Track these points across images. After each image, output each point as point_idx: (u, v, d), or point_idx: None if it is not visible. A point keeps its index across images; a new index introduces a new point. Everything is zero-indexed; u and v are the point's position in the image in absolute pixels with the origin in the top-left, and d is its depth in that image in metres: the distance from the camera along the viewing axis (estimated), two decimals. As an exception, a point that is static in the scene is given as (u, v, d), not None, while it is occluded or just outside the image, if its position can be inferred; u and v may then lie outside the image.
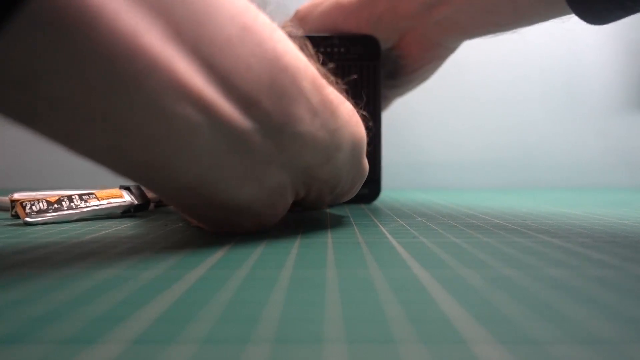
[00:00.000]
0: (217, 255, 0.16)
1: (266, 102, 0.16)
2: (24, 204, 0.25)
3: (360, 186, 0.24)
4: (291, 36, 0.20)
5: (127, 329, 0.09)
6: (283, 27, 0.20)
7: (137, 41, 0.13)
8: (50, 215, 0.26)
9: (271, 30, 0.16)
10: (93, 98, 0.13)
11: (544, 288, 0.12)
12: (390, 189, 0.64)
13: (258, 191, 0.18)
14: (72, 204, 0.27)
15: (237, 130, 0.16)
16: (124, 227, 0.24)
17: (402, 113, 0.70)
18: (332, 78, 0.21)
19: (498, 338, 0.09)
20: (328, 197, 0.22)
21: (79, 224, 0.26)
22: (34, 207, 0.26)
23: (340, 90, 0.21)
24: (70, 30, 0.12)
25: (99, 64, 0.12)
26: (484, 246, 0.18)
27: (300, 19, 0.40)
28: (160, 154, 0.15)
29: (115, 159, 0.15)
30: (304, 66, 0.17)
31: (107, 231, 0.23)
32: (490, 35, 0.36)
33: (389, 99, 0.44)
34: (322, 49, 0.38)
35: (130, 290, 0.12)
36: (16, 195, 0.28)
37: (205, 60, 0.14)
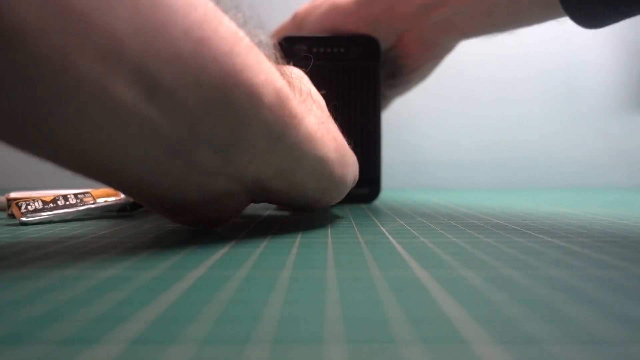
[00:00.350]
0: (217, 255, 0.16)
1: (214, 120, 0.16)
2: (19, 203, 0.25)
3: (339, 196, 0.23)
4: (261, 44, 0.19)
5: (127, 329, 0.09)
6: (252, 36, 0.20)
7: (63, 58, 0.13)
8: (46, 215, 0.26)
9: (232, 43, 0.15)
10: (23, 111, 0.13)
11: (544, 288, 0.12)
12: (390, 189, 0.64)
13: (202, 195, 0.18)
14: (67, 202, 0.27)
15: (179, 144, 0.16)
16: (123, 227, 0.24)
17: (402, 113, 0.70)
18: (301, 86, 0.20)
19: (498, 338, 0.09)
20: (297, 202, 0.22)
21: (77, 224, 0.26)
22: (29, 207, 0.26)
23: (313, 100, 0.20)
24: None
25: (24, 79, 0.12)
26: (484, 246, 0.18)
27: (299, 21, 0.40)
28: (96, 160, 0.15)
29: (56, 161, 0.16)
30: (262, 81, 0.16)
31: (106, 231, 0.23)
32: (487, 36, 0.36)
33: (388, 99, 0.45)
34: (321, 49, 0.38)
35: (130, 290, 0.12)
36: (13, 195, 0.28)
37: (149, 77, 0.14)
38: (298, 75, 0.22)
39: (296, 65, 0.27)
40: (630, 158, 0.79)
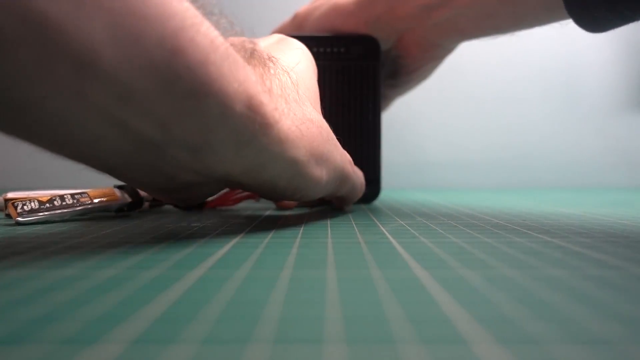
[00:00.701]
0: (217, 255, 0.16)
1: (186, 125, 0.16)
2: (15, 203, 0.25)
3: (315, 193, 0.24)
4: (244, 48, 0.20)
5: (127, 329, 0.09)
6: (238, 40, 0.20)
7: (42, 66, 0.13)
8: (42, 215, 0.26)
9: (208, 52, 0.16)
10: (13, 106, 0.14)
11: (544, 288, 0.12)
12: (390, 189, 0.64)
13: (173, 183, 0.19)
14: (64, 203, 0.27)
15: (151, 142, 0.16)
16: (123, 227, 0.24)
17: (402, 113, 0.70)
18: (278, 88, 0.20)
19: (498, 338, 0.09)
20: (269, 196, 0.23)
21: (77, 224, 0.26)
22: (25, 207, 0.25)
23: (292, 102, 0.21)
24: None
25: (10, 82, 0.13)
26: (484, 246, 0.18)
27: (299, 21, 0.40)
28: (72, 150, 0.16)
29: (39, 145, 0.16)
30: (235, 90, 0.16)
31: (106, 231, 0.23)
32: (489, 38, 0.36)
33: (389, 98, 0.45)
34: (321, 49, 0.38)
35: (130, 290, 0.12)
36: (10, 195, 0.28)
37: (123, 84, 0.14)
38: (285, 68, 0.22)
39: None
40: (630, 158, 0.79)
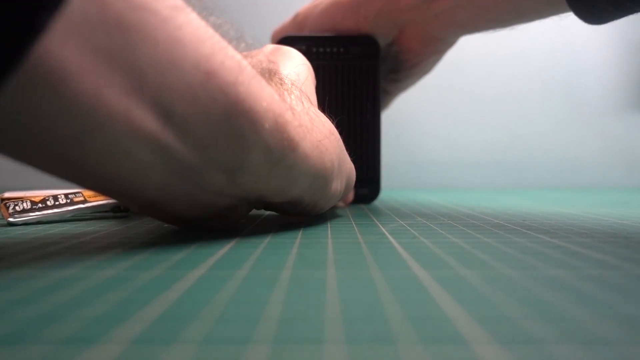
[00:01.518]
0: (217, 255, 0.16)
1: (222, 145, 0.17)
2: (7, 204, 0.25)
3: (329, 205, 0.24)
4: (262, 69, 0.20)
5: (127, 329, 0.09)
6: (256, 61, 0.20)
7: (97, 95, 0.13)
8: (34, 215, 0.26)
9: (237, 72, 0.16)
10: (56, 144, 0.14)
11: (544, 288, 0.12)
12: (390, 189, 0.64)
13: (208, 212, 0.20)
14: (57, 202, 0.27)
15: (190, 168, 0.17)
16: (122, 227, 0.24)
17: (402, 113, 0.70)
18: (298, 103, 0.21)
19: (498, 338, 0.09)
20: (292, 211, 0.23)
21: (77, 224, 0.26)
22: (17, 207, 0.25)
23: (312, 114, 0.21)
24: (42, 89, 0.13)
25: (64, 116, 0.13)
26: (484, 246, 0.18)
27: (300, 21, 0.40)
28: (116, 184, 0.16)
29: (77, 183, 0.17)
30: (264, 109, 0.17)
31: (106, 231, 0.23)
32: (489, 31, 0.36)
33: (392, 94, 0.44)
34: (321, 49, 0.38)
35: (130, 290, 0.12)
36: (7, 194, 0.28)
37: (164, 107, 0.15)
38: (295, 80, 0.23)
39: None
40: (630, 158, 0.79)
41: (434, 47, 0.38)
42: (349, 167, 0.25)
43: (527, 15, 0.33)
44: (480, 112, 0.78)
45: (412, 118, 0.77)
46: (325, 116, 0.23)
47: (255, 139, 0.17)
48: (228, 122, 0.16)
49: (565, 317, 0.10)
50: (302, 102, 0.21)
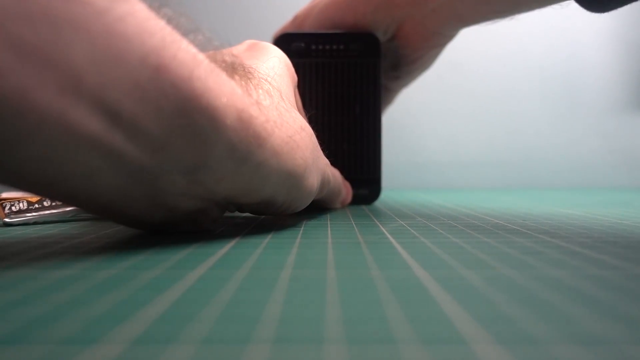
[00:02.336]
0: (217, 255, 0.16)
1: (178, 145, 0.16)
2: (3, 204, 0.25)
3: (306, 203, 0.23)
4: (226, 63, 0.19)
5: (127, 329, 0.09)
6: (219, 55, 0.19)
7: (25, 97, 0.12)
8: (30, 216, 0.26)
9: (192, 67, 0.15)
10: None
11: (544, 288, 0.12)
12: (390, 189, 0.64)
13: (173, 215, 0.19)
14: (54, 203, 0.27)
15: (145, 170, 0.16)
16: (122, 228, 0.24)
17: (402, 113, 0.70)
18: (267, 97, 0.20)
19: (498, 338, 0.09)
20: (267, 212, 0.22)
21: (76, 224, 0.26)
22: (13, 208, 0.25)
23: (282, 109, 0.20)
24: None
25: None
26: (484, 246, 0.18)
27: (299, 22, 0.40)
28: (64, 190, 0.15)
29: (22, 189, 0.16)
30: (224, 104, 0.16)
31: (106, 231, 0.23)
32: (488, 22, 0.36)
33: (394, 91, 0.44)
34: (320, 47, 0.38)
35: (130, 290, 0.12)
36: (4, 195, 0.27)
37: (109, 106, 0.14)
38: (265, 74, 0.22)
39: (292, 61, 0.26)
40: (630, 158, 0.79)
41: (433, 41, 0.38)
42: (324, 162, 0.24)
43: (527, 5, 0.33)
44: (481, 113, 0.78)
45: (412, 119, 0.77)
46: (297, 112, 0.22)
47: (216, 137, 0.16)
48: (183, 120, 0.15)
49: (566, 317, 0.10)
50: (272, 96, 0.20)
